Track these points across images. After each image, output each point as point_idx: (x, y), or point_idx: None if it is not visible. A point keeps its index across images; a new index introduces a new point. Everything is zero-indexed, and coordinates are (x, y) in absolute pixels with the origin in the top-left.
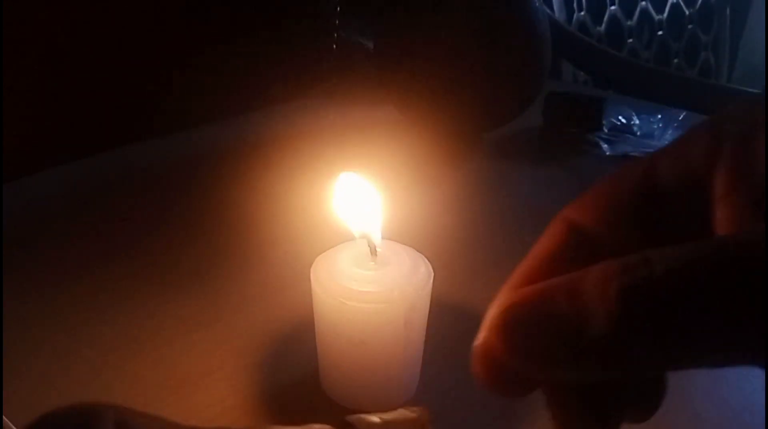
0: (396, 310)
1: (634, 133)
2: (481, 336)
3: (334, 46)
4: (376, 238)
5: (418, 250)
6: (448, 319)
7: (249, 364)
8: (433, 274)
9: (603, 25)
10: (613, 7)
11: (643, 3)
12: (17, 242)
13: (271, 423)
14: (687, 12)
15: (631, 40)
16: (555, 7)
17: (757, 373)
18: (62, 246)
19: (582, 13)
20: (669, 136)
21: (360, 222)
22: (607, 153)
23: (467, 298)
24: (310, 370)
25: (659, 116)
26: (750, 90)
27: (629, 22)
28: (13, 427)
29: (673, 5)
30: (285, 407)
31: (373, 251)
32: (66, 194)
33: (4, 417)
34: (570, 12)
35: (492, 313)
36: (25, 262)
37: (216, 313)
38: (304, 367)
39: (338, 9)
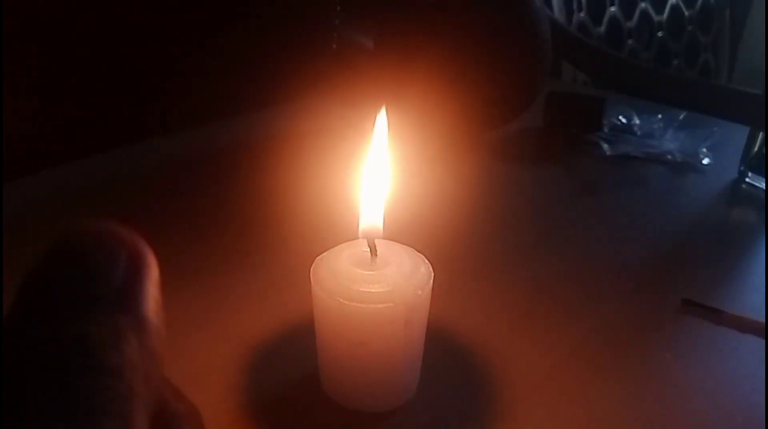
0: (396, 310)
1: (634, 133)
2: None
3: (334, 46)
4: (378, 230)
5: (418, 250)
6: (448, 319)
7: (249, 364)
8: (433, 274)
9: (603, 26)
10: (612, 8)
11: (643, 4)
12: (17, 242)
13: (272, 426)
14: (687, 13)
15: (630, 41)
16: (554, 8)
17: (757, 373)
18: None
19: (582, 14)
20: (669, 136)
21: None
22: (608, 153)
23: (467, 298)
24: (310, 370)
25: (660, 116)
26: (750, 91)
27: (629, 23)
28: None
29: (672, 6)
30: (285, 407)
31: (373, 251)
32: (66, 194)
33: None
34: (570, 13)
35: None
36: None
37: (216, 313)
38: (304, 367)
39: (338, 9)
